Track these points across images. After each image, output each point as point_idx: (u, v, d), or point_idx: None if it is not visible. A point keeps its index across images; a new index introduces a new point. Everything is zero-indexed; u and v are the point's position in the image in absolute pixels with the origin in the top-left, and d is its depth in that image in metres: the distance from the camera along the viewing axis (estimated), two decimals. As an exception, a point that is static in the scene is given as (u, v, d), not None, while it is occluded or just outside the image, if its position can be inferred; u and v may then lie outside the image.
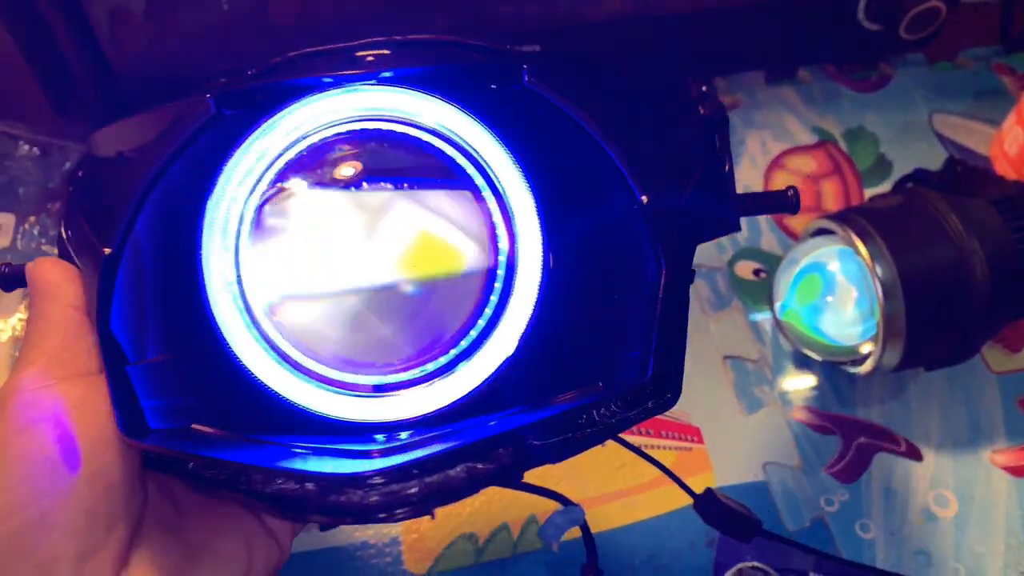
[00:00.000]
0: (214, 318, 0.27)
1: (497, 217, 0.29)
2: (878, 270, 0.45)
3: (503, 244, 0.28)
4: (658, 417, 0.50)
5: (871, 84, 0.67)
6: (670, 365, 0.29)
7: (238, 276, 0.28)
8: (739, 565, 0.46)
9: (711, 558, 0.46)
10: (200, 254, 0.27)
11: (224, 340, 0.27)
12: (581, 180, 0.30)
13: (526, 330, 0.28)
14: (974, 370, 0.53)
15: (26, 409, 0.26)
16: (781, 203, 0.34)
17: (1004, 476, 0.49)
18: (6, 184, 0.55)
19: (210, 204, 0.27)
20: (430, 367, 0.28)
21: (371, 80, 0.28)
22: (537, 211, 0.28)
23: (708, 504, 0.43)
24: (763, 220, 0.59)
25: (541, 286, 0.28)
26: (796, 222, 0.59)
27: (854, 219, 0.47)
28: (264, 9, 0.57)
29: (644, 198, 0.28)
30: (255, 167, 0.28)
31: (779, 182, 0.62)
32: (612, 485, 0.48)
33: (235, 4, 0.56)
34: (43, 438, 0.26)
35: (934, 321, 0.46)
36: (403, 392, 0.28)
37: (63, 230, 0.32)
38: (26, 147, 0.54)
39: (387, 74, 0.28)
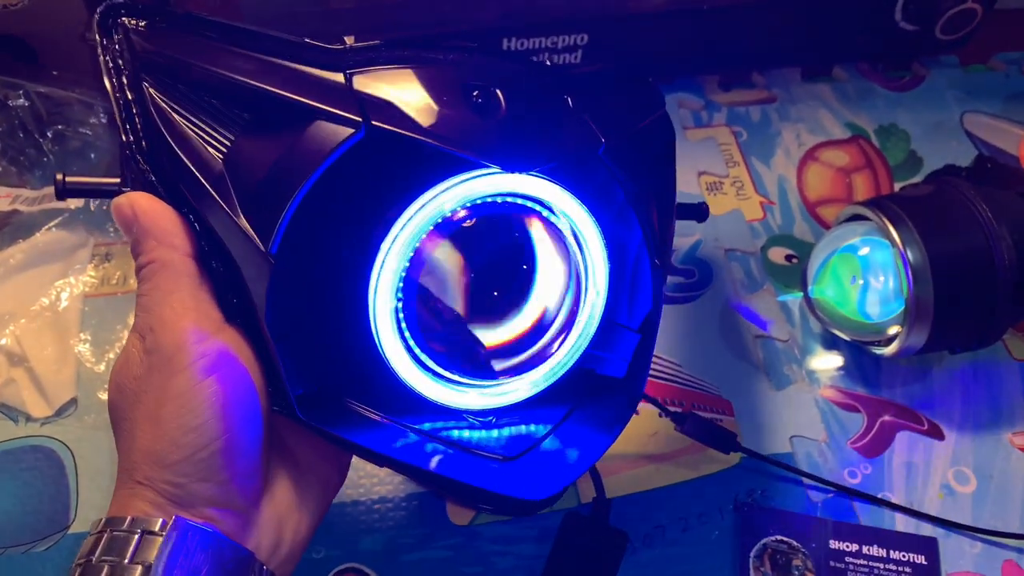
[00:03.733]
0: (373, 328, 0.34)
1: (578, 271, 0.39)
2: (909, 255, 0.47)
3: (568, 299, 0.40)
4: (692, 391, 0.53)
5: (904, 83, 0.70)
6: (645, 368, 0.40)
7: (397, 302, 0.34)
8: (764, 540, 0.48)
9: (736, 522, 0.48)
10: (368, 283, 0.34)
11: (378, 344, 0.35)
12: (622, 232, 0.39)
13: (583, 355, 0.39)
14: (996, 356, 0.55)
15: (204, 360, 0.31)
16: (697, 212, 0.48)
17: (1023, 457, 0.51)
18: (80, 149, 0.58)
19: (384, 247, 0.33)
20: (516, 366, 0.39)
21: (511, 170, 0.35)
22: (608, 261, 0.38)
23: (687, 421, 0.48)
24: (796, 209, 0.62)
25: (601, 323, 0.39)
26: (828, 212, 0.62)
27: (887, 205, 0.49)
28: (326, -10, 0.60)
29: (658, 261, 0.39)
30: (415, 219, 0.34)
31: (812, 173, 0.64)
32: (644, 450, 0.50)
33: (297, -14, 0.59)
34: (224, 384, 0.31)
35: (961, 306, 0.48)
36: (500, 385, 0.39)
37: (133, 155, 0.34)
38: (101, 115, 0.57)
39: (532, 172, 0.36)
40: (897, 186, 0.63)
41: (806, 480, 0.50)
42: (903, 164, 0.65)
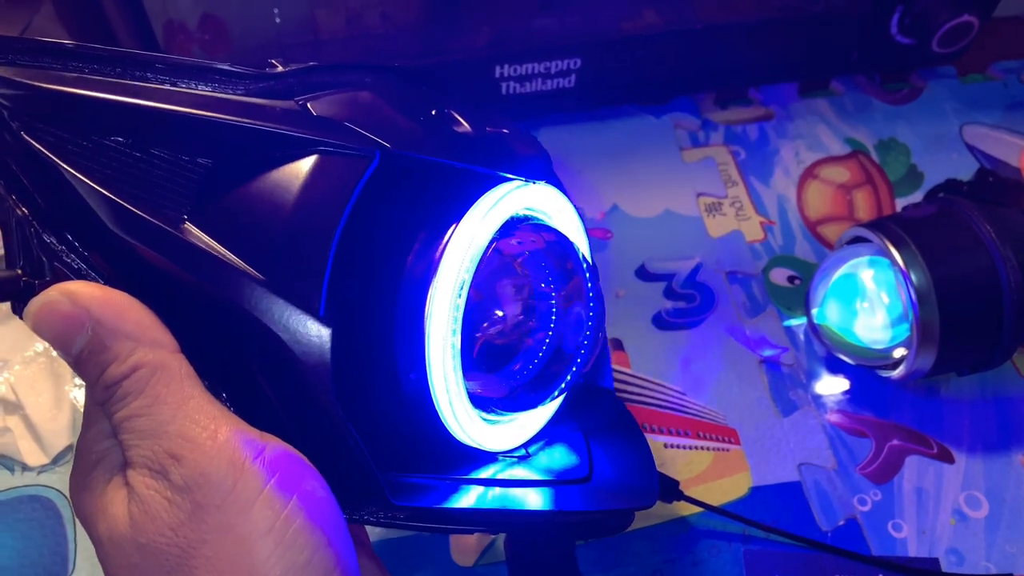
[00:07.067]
0: (429, 375, 0.30)
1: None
2: (913, 277, 0.47)
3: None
4: (697, 419, 0.52)
5: (903, 96, 0.69)
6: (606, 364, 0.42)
7: (452, 341, 0.30)
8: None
9: (744, 558, 0.47)
10: (423, 324, 0.30)
11: (432, 391, 0.31)
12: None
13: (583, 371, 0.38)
14: (1005, 376, 0.54)
15: (278, 475, 0.25)
16: None
17: (1035, 479, 0.50)
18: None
19: (441, 286, 0.30)
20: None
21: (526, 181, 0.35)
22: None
23: None
24: (797, 228, 0.61)
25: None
26: (830, 231, 0.61)
27: (889, 227, 0.48)
28: (313, 22, 0.59)
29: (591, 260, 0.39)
30: (468, 248, 0.30)
31: (812, 191, 0.63)
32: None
33: (286, 17, 0.58)
34: (309, 501, 0.25)
35: (967, 327, 0.47)
36: (524, 415, 0.37)
37: (38, 233, 0.27)
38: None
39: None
40: (898, 202, 0.63)
41: (813, 508, 0.49)
42: (904, 179, 0.64)
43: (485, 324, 0.35)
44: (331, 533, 0.25)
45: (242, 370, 0.27)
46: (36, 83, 0.26)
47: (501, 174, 0.33)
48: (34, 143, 0.26)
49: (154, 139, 0.27)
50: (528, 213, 0.35)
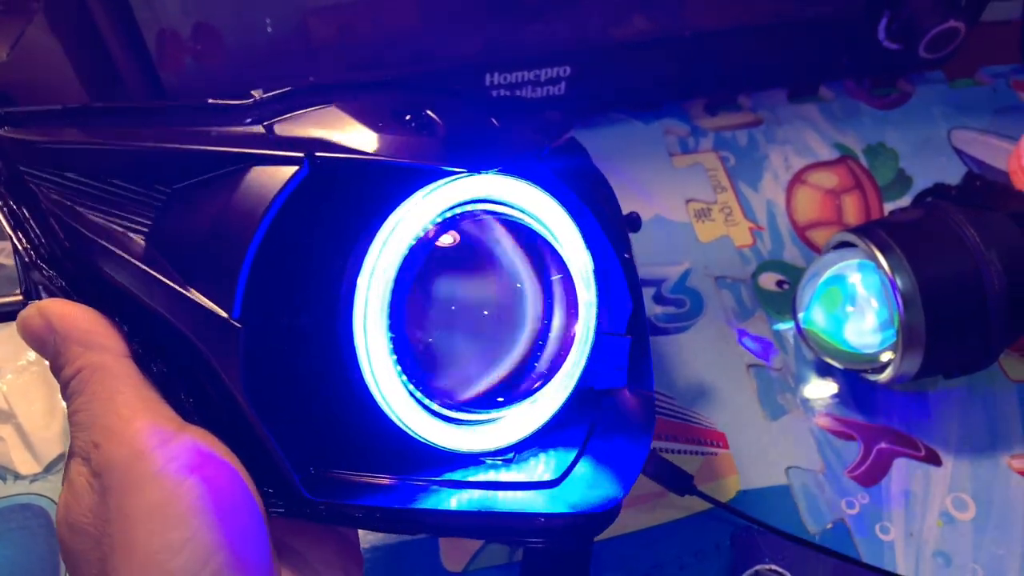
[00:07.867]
0: (367, 374, 0.31)
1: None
2: (898, 281, 0.47)
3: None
4: (686, 424, 0.52)
5: (891, 101, 0.69)
6: (648, 368, 0.39)
7: (389, 341, 0.31)
8: (756, 567, 0.47)
9: (733, 552, 0.48)
10: (351, 325, 0.31)
11: (375, 393, 0.31)
12: (585, 235, 0.37)
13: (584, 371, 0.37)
14: (992, 378, 0.54)
15: (175, 462, 0.26)
16: (631, 223, 0.43)
17: (1022, 481, 0.50)
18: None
19: (360, 280, 0.31)
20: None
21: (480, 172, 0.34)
22: (593, 267, 0.36)
23: (650, 461, 0.47)
24: (786, 233, 0.61)
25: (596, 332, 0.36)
26: (818, 236, 0.61)
27: (875, 232, 0.49)
28: (306, 30, 0.60)
29: (627, 256, 0.38)
30: (394, 238, 0.32)
31: (801, 197, 0.64)
32: (640, 488, 0.50)
33: (278, 26, 0.59)
34: (209, 484, 0.26)
35: (953, 331, 0.48)
36: (510, 418, 0.36)
37: (34, 262, 0.31)
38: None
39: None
40: (887, 207, 0.63)
41: (801, 511, 0.49)
42: (892, 184, 0.64)
43: (430, 318, 0.35)
44: (222, 517, 0.26)
45: (188, 372, 0.30)
46: (42, 139, 0.31)
47: (447, 168, 0.33)
48: (34, 189, 0.31)
49: (122, 175, 0.31)
50: (490, 207, 0.34)
